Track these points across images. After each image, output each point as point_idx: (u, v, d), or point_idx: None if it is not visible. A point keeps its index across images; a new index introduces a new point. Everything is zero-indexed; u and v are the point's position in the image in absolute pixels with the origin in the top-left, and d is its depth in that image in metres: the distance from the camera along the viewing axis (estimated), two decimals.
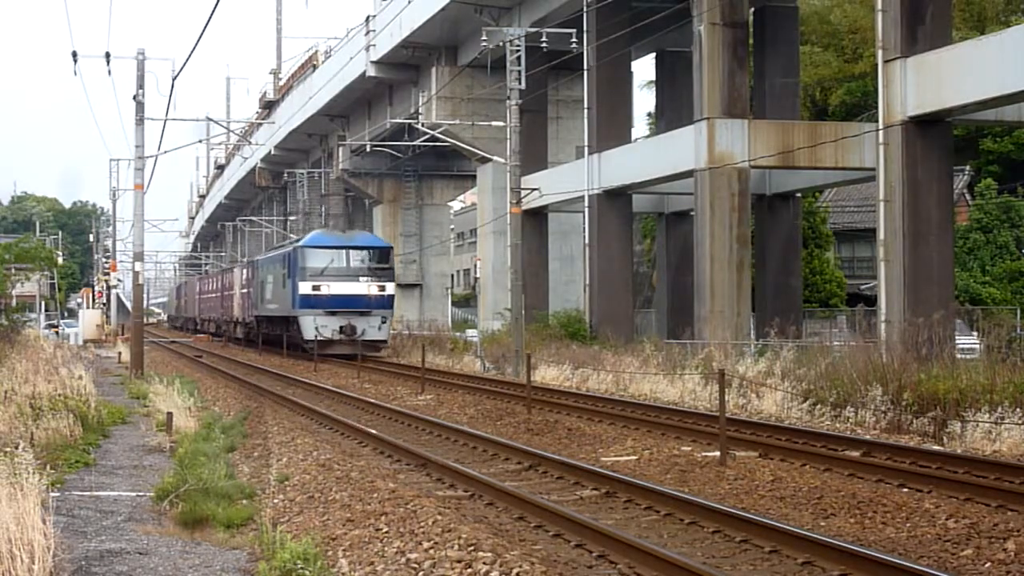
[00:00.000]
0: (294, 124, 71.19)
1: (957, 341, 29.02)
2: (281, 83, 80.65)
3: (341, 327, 41.23)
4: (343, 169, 68.85)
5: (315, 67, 68.09)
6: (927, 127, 27.95)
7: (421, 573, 9.34)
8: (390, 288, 42.48)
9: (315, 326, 41.16)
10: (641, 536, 10.74)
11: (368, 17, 55.76)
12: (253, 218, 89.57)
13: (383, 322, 42.02)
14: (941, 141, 28.53)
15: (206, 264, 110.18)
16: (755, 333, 36.03)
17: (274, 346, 48.67)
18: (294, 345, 45.05)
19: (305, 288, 41.58)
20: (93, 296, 77.73)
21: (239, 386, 31.33)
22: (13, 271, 54.84)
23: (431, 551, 9.89)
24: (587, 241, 42.22)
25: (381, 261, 42.78)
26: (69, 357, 33.64)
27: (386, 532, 10.88)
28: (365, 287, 41.59)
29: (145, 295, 56.44)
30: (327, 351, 40.84)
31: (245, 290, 56.09)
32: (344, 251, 42.34)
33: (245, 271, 57.18)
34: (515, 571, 9.05)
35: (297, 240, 45.83)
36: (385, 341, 43.14)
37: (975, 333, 30.12)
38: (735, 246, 34.11)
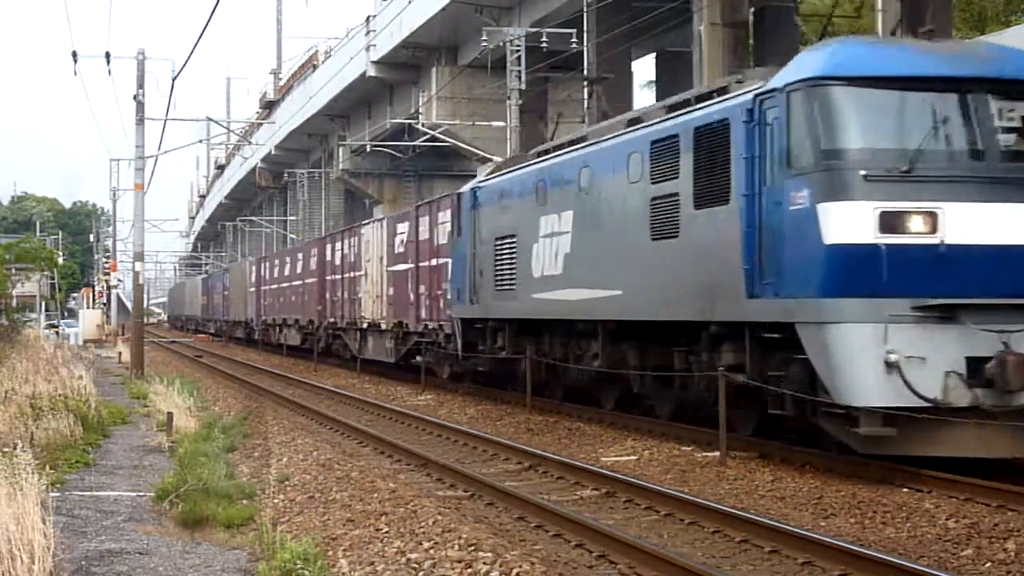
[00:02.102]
0: (294, 124, 71.18)
1: None
2: (281, 83, 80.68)
3: (989, 360, 12.22)
4: (343, 169, 68.84)
5: (315, 67, 68.10)
6: None
7: (421, 573, 9.34)
8: None
9: (887, 359, 12.16)
10: (641, 536, 10.74)
11: (368, 17, 55.73)
12: (253, 218, 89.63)
13: None
14: None
15: (206, 264, 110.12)
16: None
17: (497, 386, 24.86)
18: (701, 416, 17.08)
19: (847, 229, 12.37)
20: (93, 296, 77.78)
21: (239, 386, 31.34)
22: (13, 271, 54.87)
23: (431, 551, 9.89)
24: None
25: None
26: (69, 357, 33.61)
27: (386, 532, 10.89)
28: None
29: (145, 295, 56.42)
30: (938, 450, 12.58)
31: (406, 265, 30.74)
32: (961, 97, 12.69)
33: (406, 226, 31.20)
34: (515, 571, 9.05)
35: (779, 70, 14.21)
36: None
37: None
38: None
